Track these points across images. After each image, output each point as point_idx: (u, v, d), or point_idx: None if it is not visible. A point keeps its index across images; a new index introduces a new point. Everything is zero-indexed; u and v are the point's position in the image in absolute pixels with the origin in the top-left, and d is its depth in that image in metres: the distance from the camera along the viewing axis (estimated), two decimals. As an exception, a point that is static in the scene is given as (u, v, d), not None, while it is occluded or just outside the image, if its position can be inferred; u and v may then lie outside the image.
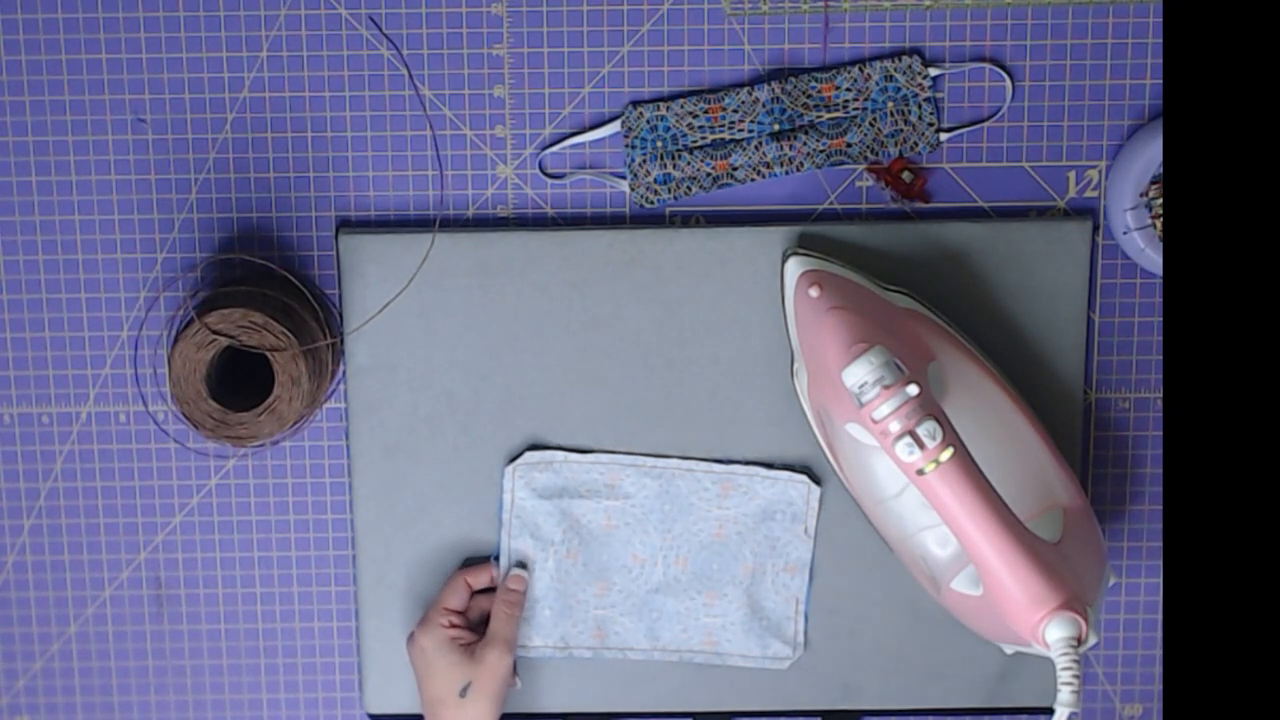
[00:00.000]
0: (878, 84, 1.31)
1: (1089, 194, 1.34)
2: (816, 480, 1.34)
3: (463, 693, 1.30)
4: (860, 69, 1.31)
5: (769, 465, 1.34)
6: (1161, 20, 1.31)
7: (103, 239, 1.33)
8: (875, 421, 1.18)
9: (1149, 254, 1.31)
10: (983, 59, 1.32)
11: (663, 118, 1.31)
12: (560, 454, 1.33)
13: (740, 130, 1.32)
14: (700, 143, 1.32)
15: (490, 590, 1.35)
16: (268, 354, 1.25)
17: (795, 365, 1.32)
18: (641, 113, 1.31)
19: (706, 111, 1.31)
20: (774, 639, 1.36)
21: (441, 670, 1.31)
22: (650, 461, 1.34)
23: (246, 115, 1.32)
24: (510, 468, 1.33)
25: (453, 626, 1.32)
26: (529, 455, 1.33)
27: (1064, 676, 1.16)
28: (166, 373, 1.27)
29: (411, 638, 1.33)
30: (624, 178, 1.33)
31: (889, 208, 1.33)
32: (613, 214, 1.34)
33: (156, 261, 1.33)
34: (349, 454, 1.35)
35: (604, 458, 1.33)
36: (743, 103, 1.31)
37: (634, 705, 1.38)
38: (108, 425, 1.35)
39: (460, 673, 1.31)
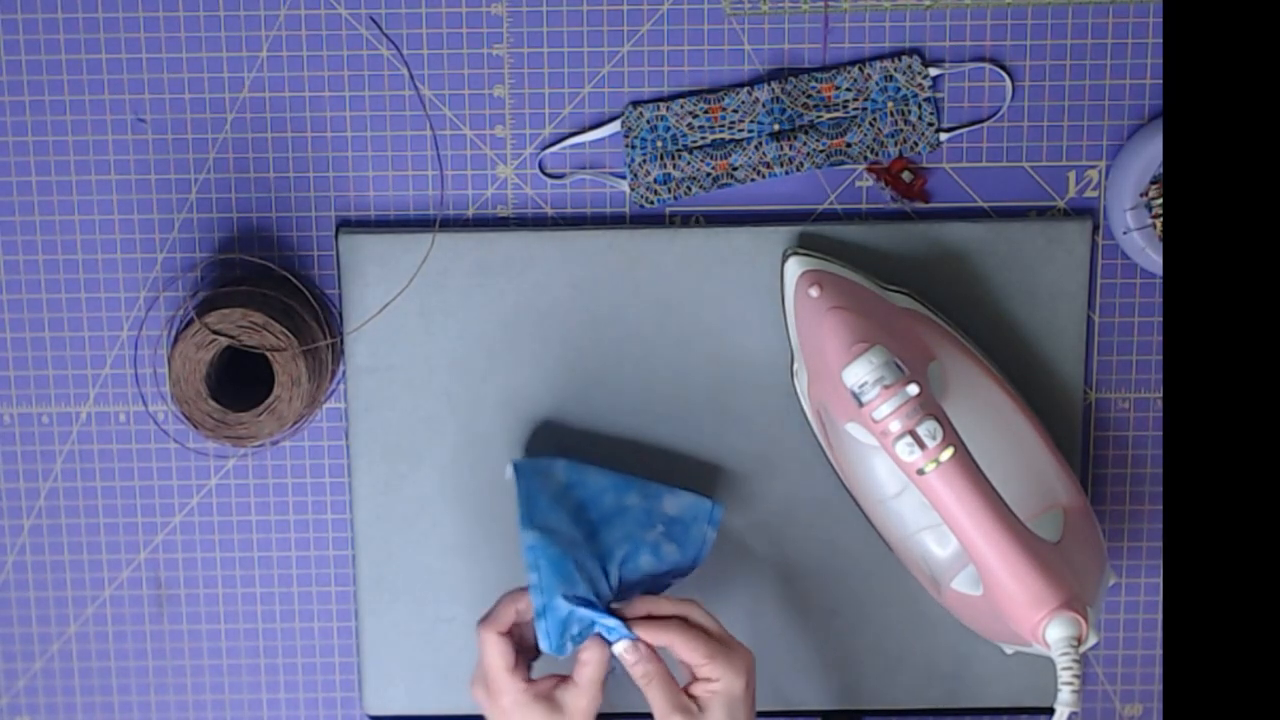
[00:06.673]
0: (878, 84, 1.31)
1: (1089, 194, 1.34)
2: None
3: None
4: (860, 69, 1.31)
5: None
6: (1161, 20, 1.31)
7: (103, 239, 1.33)
8: (875, 421, 1.18)
9: (1149, 254, 1.31)
10: (983, 59, 1.32)
11: (663, 118, 1.31)
12: (561, 462, 1.32)
13: (740, 130, 1.32)
14: (700, 143, 1.32)
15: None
16: (268, 354, 1.25)
17: (795, 365, 1.32)
18: (641, 113, 1.31)
19: (706, 111, 1.31)
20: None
21: None
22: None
23: (246, 115, 1.32)
24: (511, 471, 1.32)
25: (526, 681, 1.23)
26: (523, 463, 1.31)
27: (1064, 676, 1.16)
28: (166, 373, 1.27)
29: (480, 692, 1.24)
30: (624, 178, 1.33)
31: (889, 208, 1.33)
32: (613, 214, 1.34)
33: (156, 261, 1.33)
34: (349, 454, 1.35)
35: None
36: (743, 103, 1.31)
37: (635, 706, 1.38)
38: (108, 425, 1.35)
39: None
